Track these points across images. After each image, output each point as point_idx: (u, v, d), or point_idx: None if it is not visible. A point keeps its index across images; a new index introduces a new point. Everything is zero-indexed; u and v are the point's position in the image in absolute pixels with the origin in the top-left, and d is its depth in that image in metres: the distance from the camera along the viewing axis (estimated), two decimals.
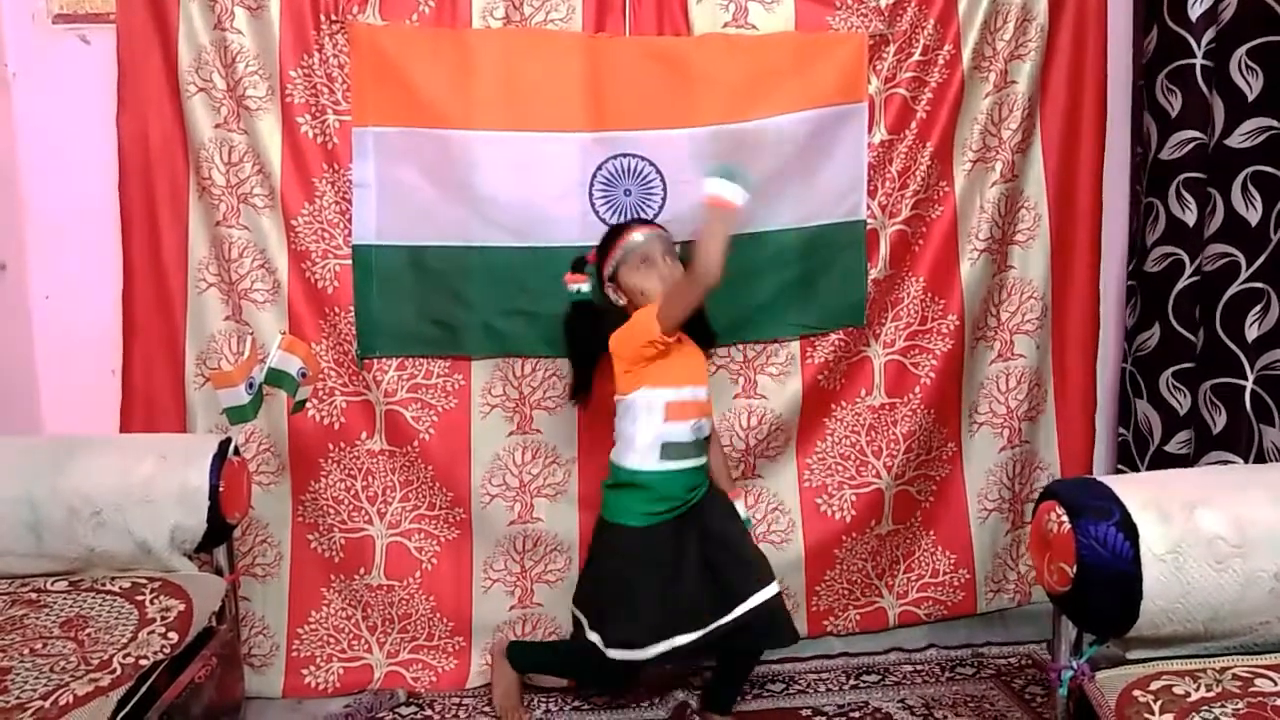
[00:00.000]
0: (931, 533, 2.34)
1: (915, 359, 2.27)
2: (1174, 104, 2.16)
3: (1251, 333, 2.02)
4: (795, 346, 2.20)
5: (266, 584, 2.15)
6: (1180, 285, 2.17)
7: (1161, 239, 2.22)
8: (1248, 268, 2.02)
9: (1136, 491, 1.34)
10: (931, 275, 2.25)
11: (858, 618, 2.31)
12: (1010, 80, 2.23)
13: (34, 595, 1.57)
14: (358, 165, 2.06)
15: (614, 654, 1.80)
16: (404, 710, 2.10)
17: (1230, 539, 1.29)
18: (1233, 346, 2.04)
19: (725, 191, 1.64)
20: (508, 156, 2.07)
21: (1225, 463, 2.05)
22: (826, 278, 2.18)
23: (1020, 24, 2.20)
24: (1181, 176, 2.15)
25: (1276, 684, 1.25)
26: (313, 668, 2.15)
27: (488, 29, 2.08)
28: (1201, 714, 1.20)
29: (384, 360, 2.12)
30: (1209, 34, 2.09)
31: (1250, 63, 2.00)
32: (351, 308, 2.09)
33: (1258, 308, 2.01)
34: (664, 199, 2.09)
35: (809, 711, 2.02)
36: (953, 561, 2.34)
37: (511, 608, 2.20)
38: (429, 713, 2.08)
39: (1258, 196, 2.00)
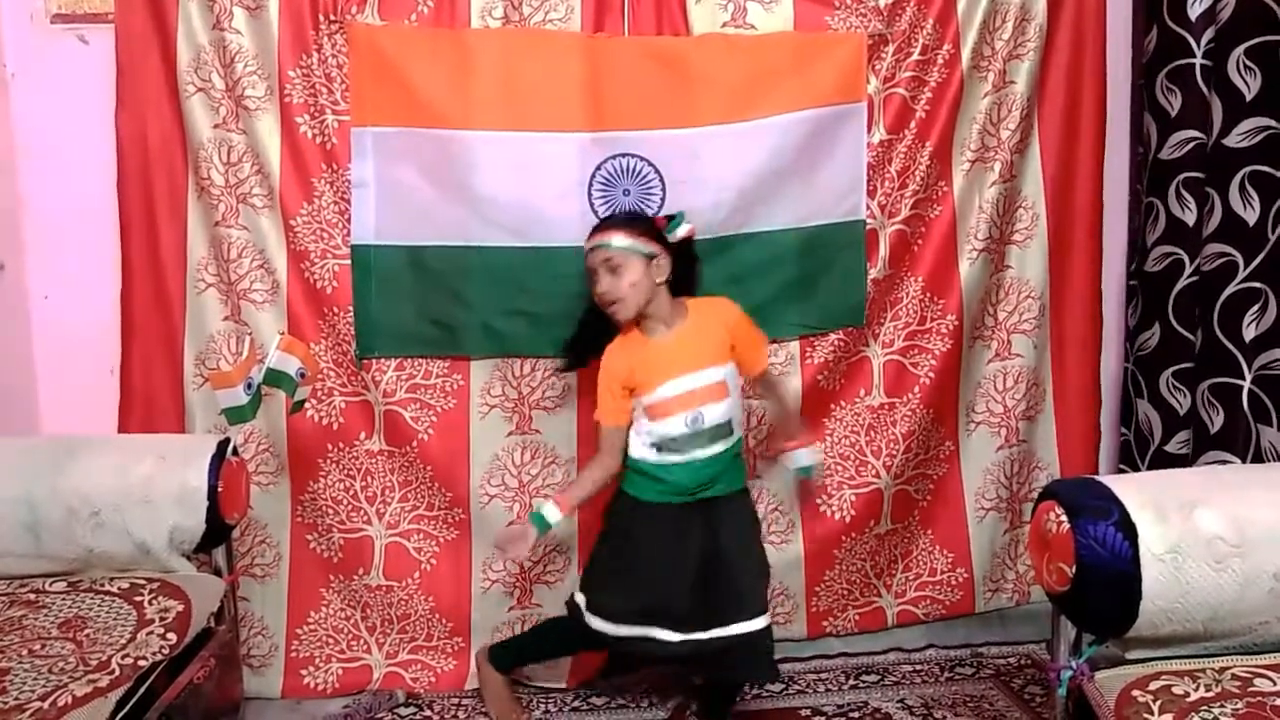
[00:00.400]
0: (929, 532, 2.35)
1: (914, 359, 2.27)
2: (1174, 103, 2.16)
3: (1249, 332, 2.02)
4: (795, 346, 2.20)
5: (265, 584, 2.15)
6: (1180, 285, 2.17)
7: (1162, 239, 2.22)
8: (1245, 267, 2.02)
9: (1135, 491, 1.34)
10: (931, 275, 2.25)
11: (856, 618, 2.31)
12: (1009, 80, 2.23)
13: (32, 596, 1.57)
14: (356, 165, 2.06)
15: (591, 620, 1.81)
16: (403, 711, 2.10)
17: (1229, 539, 1.29)
18: (1230, 346, 2.05)
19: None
20: (507, 156, 2.07)
21: (1223, 462, 2.05)
22: (826, 278, 2.18)
23: (1019, 24, 2.20)
24: (1181, 176, 2.16)
25: (1276, 684, 1.25)
26: (312, 668, 2.15)
27: (486, 29, 2.08)
28: (1201, 714, 1.20)
29: (383, 360, 2.12)
30: (1208, 33, 2.09)
31: (1248, 62, 2.00)
32: (350, 308, 2.09)
33: (1255, 307, 2.01)
34: (663, 199, 2.09)
35: (808, 711, 2.02)
36: (950, 561, 2.34)
37: (510, 608, 2.20)
38: (428, 713, 2.08)
39: (1255, 196, 2.01)
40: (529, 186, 2.08)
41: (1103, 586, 1.29)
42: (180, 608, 1.55)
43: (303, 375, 1.85)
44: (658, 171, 2.08)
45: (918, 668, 2.21)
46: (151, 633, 1.47)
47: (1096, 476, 1.47)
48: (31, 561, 1.66)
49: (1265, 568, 1.29)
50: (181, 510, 1.67)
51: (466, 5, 2.08)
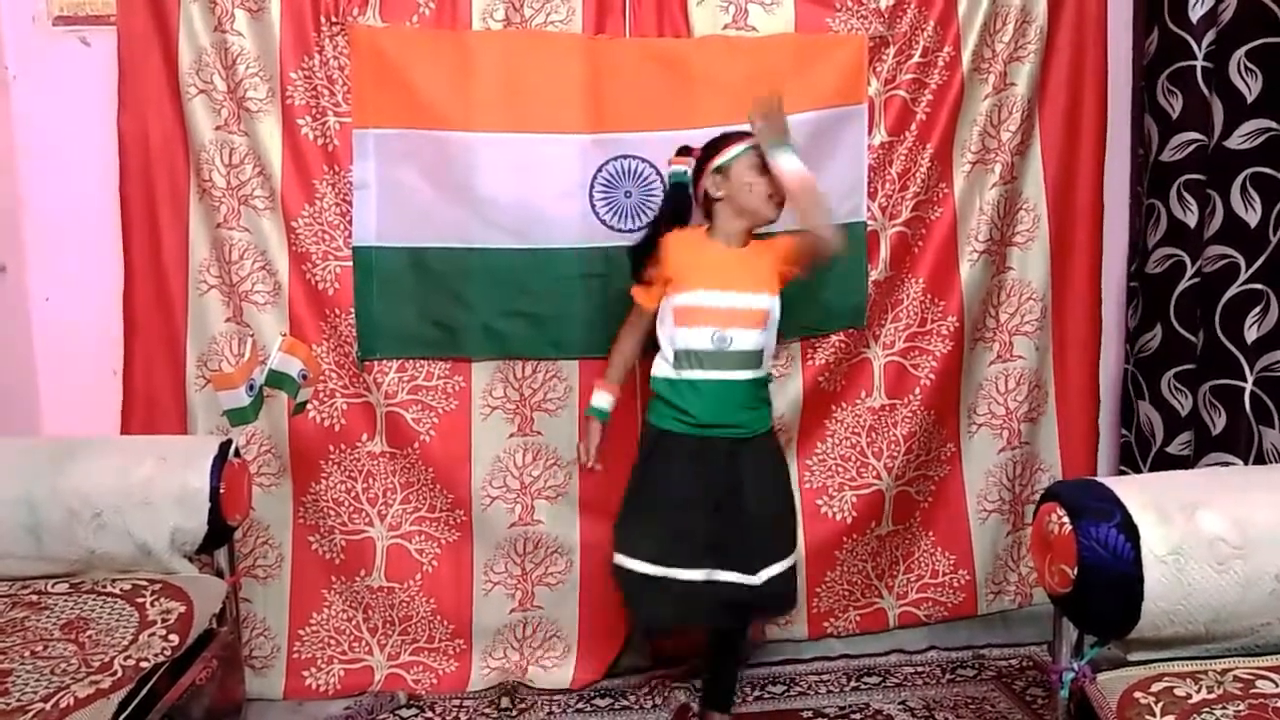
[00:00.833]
0: (931, 534, 2.35)
1: (915, 360, 2.27)
2: (1175, 105, 2.16)
3: (1251, 334, 2.02)
4: (795, 348, 2.20)
5: (267, 586, 2.15)
6: (1181, 287, 2.17)
7: (1163, 240, 2.22)
8: (1247, 269, 2.02)
9: (1137, 493, 1.34)
10: (931, 277, 2.25)
11: (858, 619, 2.31)
12: (1009, 82, 2.23)
13: (34, 597, 1.57)
14: (358, 167, 2.06)
15: (617, 557, 1.77)
16: (404, 712, 2.09)
17: (1231, 540, 1.29)
18: (1232, 348, 2.05)
19: (795, 167, 1.72)
20: (508, 158, 2.07)
21: (1225, 464, 2.05)
22: (827, 279, 2.17)
23: (1020, 26, 2.20)
24: (1182, 178, 2.16)
25: (1278, 686, 1.25)
26: (314, 669, 2.15)
27: (488, 31, 2.08)
28: (1203, 716, 1.20)
29: (384, 362, 2.12)
30: (1209, 36, 2.09)
31: (1249, 64, 2.00)
32: (352, 309, 2.09)
33: (1257, 309, 2.01)
34: (664, 200, 2.08)
35: (810, 713, 2.02)
36: (952, 563, 2.34)
37: (512, 610, 2.20)
38: (429, 715, 2.08)
39: (1257, 198, 2.00)
40: (530, 188, 2.08)
41: (1105, 588, 1.29)
42: (182, 609, 1.55)
43: (305, 377, 1.85)
44: (659, 173, 2.09)
45: (919, 669, 2.21)
46: (153, 634, 1.47)
47: (1097, 478, 1.47)
48: (33, 563, 1.66)
49: (1267, 569, 1.29)
50: (183, 511, 1.67)
51: (468, 7, 2.08)
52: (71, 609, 1.52)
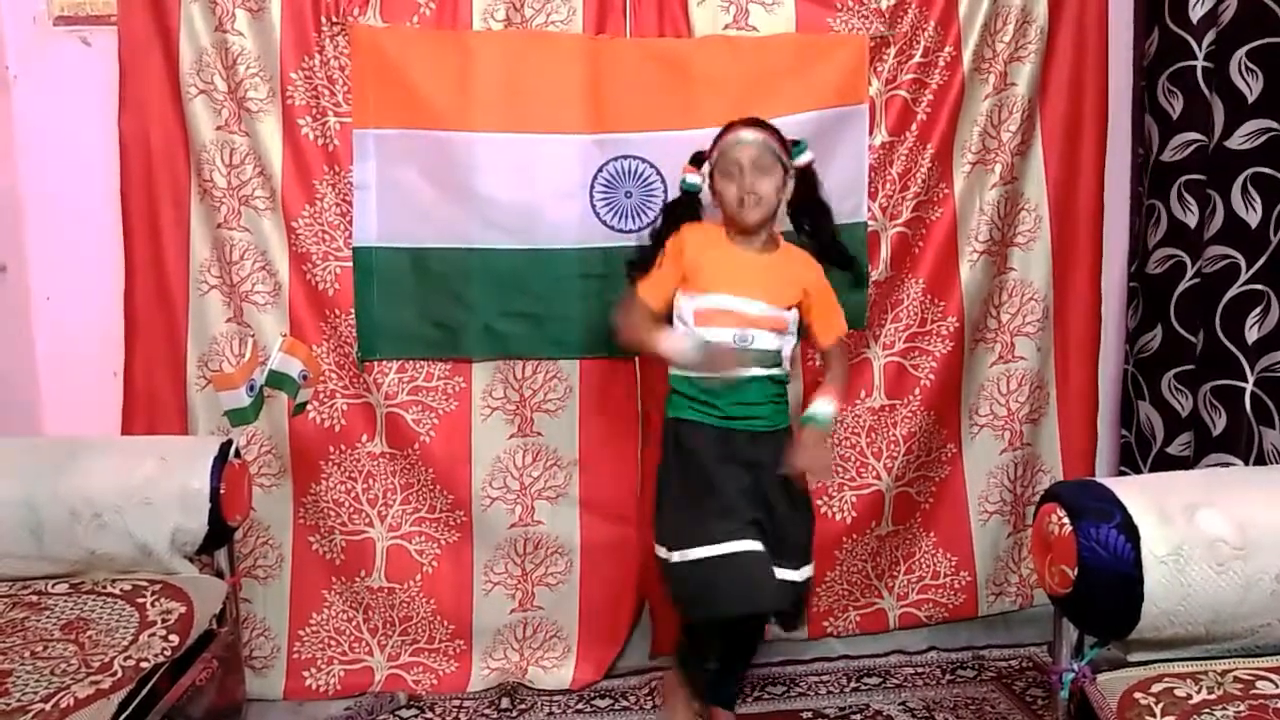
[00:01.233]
0: (931, 534, 2.34)
1: (915, 360, 2.27)
2: (1175, 106, 2.16)
3: (1251, 335, 2.02)
4: (796, 348, 2.19)
5: (267, 586, 2.15)
6: (1182, 287, 2.17)
7: (1163, 241, 2.22)
8: (1247, 270, 2.02)
9: (1137, 493, 1.34)
10: (931, 277, 2.25)
11: (857, 619, 2.31)
12: (1010, 82, 2.23)
13: (35, 598, 1.57)
14: (358, 167, 2.06)
15: (660, 551, 1.72)
16: (404, 713, 2.10)
17: (1231, 541, 1.29)
18: (1232, 348, 2.04)
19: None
20: (508, 158, 2.07)
21: (1225, 465, 2.05)
22: (827, 279, 2.17)
23: (1020, 26, 2.20)
24: (1183, 178, 2.15)
25: (1278, 686, 1.25)
26: (314, 670, 2.15)
27: (488, 31, 2.08)
28: (1203, 716, 1.20)
29: (385, 362, 2.12)
30: (1209, 36, 2.09)
31: (1250, 64, 2.00)
32: (352, 310, 2.09)
33: (1257, 310, 2.01)
34: (665, 201, 2.09)
35: (810, 714, 2.02)
36: (953, 564, 2.34)
37: (512, 611, 2.20)
38: (429, 715, 2.08)
39: (1257, 198, 2.00)
40: (531, 188, 2.08)
41: (1105, 589, 1.29)
42: (182, 609, 1.55)
43: (305, 377, 1.85)
44: (659, 173, 2.09)
45: (919, 670, 2.21)
46: (154, 634, 1.47)
47: (1098, 479, 1.47)
48: (33, 563, 1.66)
49: (1267, 570, 1.29)
50: (184, 512, 1.67)
51: (469, 7, 2.08)
52: (72, 609, 1.53)
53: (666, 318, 1.81)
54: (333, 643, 2.17)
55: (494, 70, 2.06)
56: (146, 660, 1.40)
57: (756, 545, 1.66)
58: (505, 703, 2.11)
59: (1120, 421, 2.42)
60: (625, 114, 2.09)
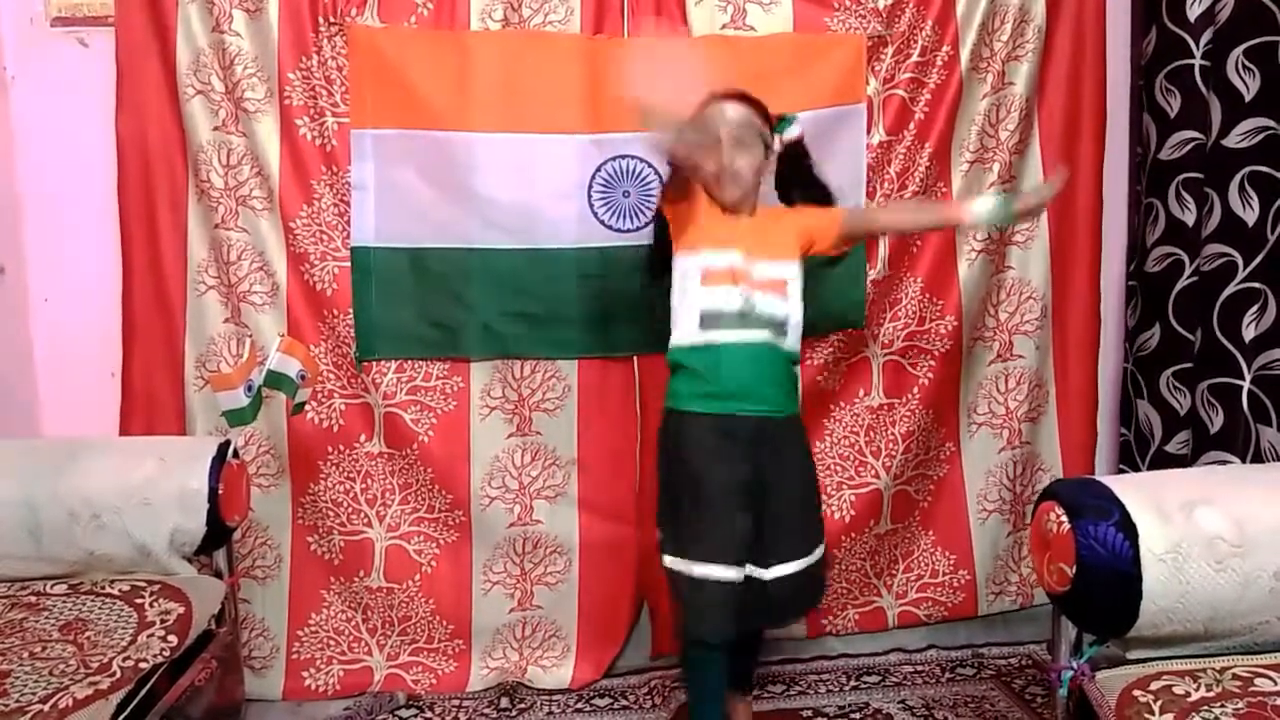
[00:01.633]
0: (930, 533, 2.34)
1: (913, 359, 2.27)
2: (1173, 104, 2.17)
3: (1249, 333, 2.02)
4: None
5: (266, 586, 2.15)
6: (1180, 285, 2.17)
7: (1161, 239, 2.22)
8: (1245, 268, 2.02)
9: (1136, 491, 1.34)
10: (930, 276, 2.25)
11: (856, 617, 2.31)
12: (1008, 81, 2.23)
13: (33, 598, 1.57)
14: (356, 167, 2.06)
15: (666, 559, 1.64)
16: (404, 713, 2.09)
17: (1230, 539, 1.29)
18: (1230, 346, 2.05)
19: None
20: (506, 158, 2.07)
21: (1223, 463, 2.05)
22: (825, 279, 2.17)
23: (1018, 25, 2.20)
24: (1181, 177, 2.16)
25: (1276, 684, 1.25)
26: (313, 670, 2.15)
27: (486, 31, 2.08)
28: (1201, 714, 1.20)
29: (383, 362, 2.12)
30: (1207, 34, 2.09)
31: (1247, 63, 2.00)
32: (350, 310, 2.09)
33: (1255, 307, 2.02)
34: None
35: (810, 712, 2.02)
36: (952, 562, 2.34)
37: (511, 610, 2.20)
38: (429, 715, 2.08)
39: (1254, 197, 2.01)
40: (529, 188, 2.08)
41: (1103, 587, 1.29)
42: (181, 610, 1.55)
43: (303, 377, 1.85)
44: (658, 173, 2.09)
45: (919, 668, 2.21)
46: (152, 635, 1.47)
47: (1097, 477, 1.47)
48: (32, 564, 1.66)
49: (1266, 567, 1.29)
50: (182, 512, 1.67)
51: (466, 7, 2.08)
52: (70, 610, 1.52)
53: (664, 267, 1.73)
54: (332, 643, 2.17)
55: (492, 70, 2.06)
56: (145, 661, 1.40)
57: (734, 574, 1.60)
58: (504, 702, 2.11)
59: (1119, 420, 2.42)
60: (623, 114, 2.08)
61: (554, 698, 2.13)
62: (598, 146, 2.08)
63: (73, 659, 1.37)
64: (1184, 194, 2.16)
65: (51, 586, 1.61)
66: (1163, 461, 2.23)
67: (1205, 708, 1.21)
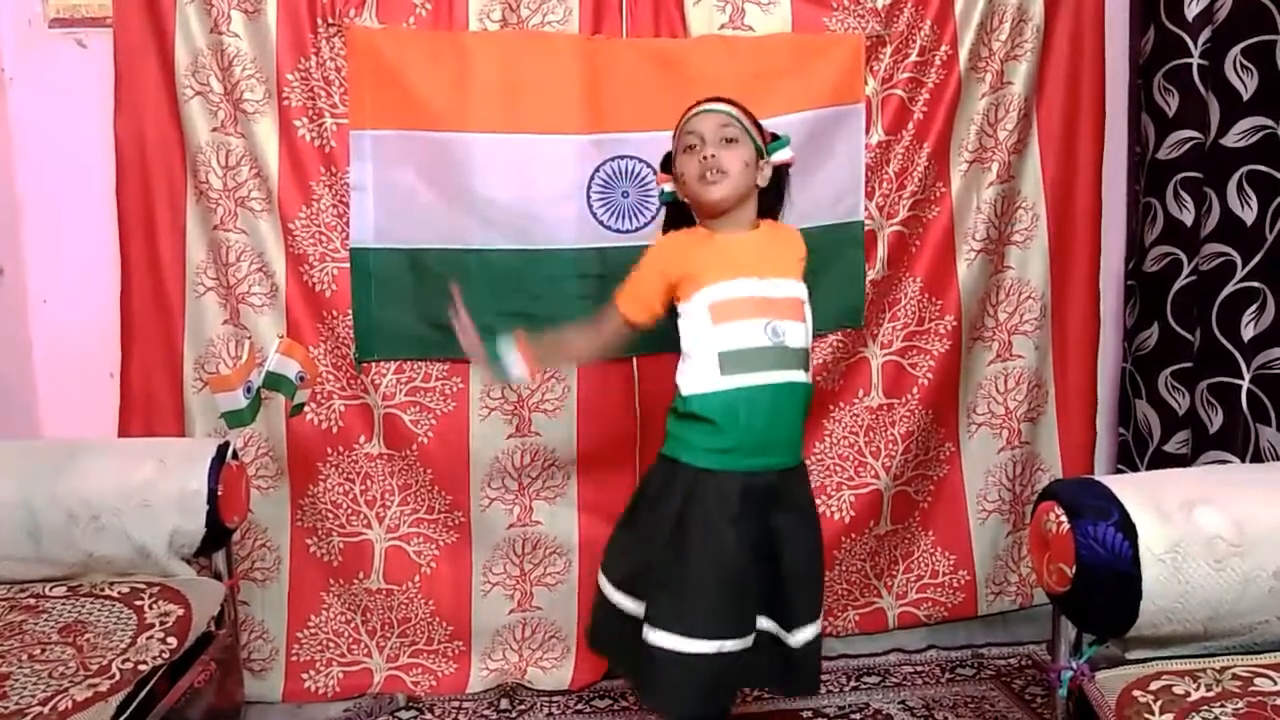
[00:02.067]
0: (930, 533, 2.34)
1: (913, 359, 2.27)
2: (1171, 104, 2.17)
3: (1248, 332, 2.02)
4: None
5: (265, 588, 2.15)
6: (1178, 285, 2.18)
7: (1160, 239, 2.22)
8: (1243, 267, 2.02)
9: (1135, 491, 1.34)
10: (929, 276, 2.25)
11: (856, 618, 2.31)
12: (1006, 81, 2.23)
13: (32, 601, 1.57)
14: (355, 168, 2.06)
15: (658, 638, 1.44)
16: (403, 714, 2.10)
17: (1229, 538, 1.29)
18: (1229, 346, 2.05)
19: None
20: (505, 159, 2.07)
21: (1222, 462, 2.05)
22: (824, 279, 2.17)
23: (1016, 25, 2.20)
24: (1179, 176, 2.16)
25: (1276, 683, 1.25)
26: (312, 672, 2.15)
27: (485, 31, 2.08)
28: (1201, 714, 1.20)
29: (382, 363, 2.11)
30: (1205, 33, 2.09)
31: (1245, 62, 2.00)
32: (349, 311, 2.09)
33: (1253, 307, 2.02)
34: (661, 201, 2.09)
35: (810, 713, 2.02)
36: (952, 563, 2.34)
37: (511, 611, 2.20)
38: (428, 717, 2.08)
39: (1253, 196, 2.01)
40: (528, 189, 2.08)
41: (1103, 587, 1.29)
42: (180, 612, 1.55)
43: (302, 378, 1.85)
44: (656, 173, 2.08)
45: (918, 669, 2.21)
46: (152, 637, 1.47)
47: (1096, 477, 1.47)
48: (31, 566, 1.66)
49: (1265, 567, 1.29)
50: (181, 514, 1.67)
51: (465, 7, 2.08)
52: (70, 612, 1.52)
53: (655, 334, 1.60)
54: (331, 644, 2.17)
55: (490, 71, 2.06)
56: (145, 663, 1.40)
57: (740, 644, 1.48)
58: (504, 704, 2.11)
59: (1118, 420, 2.42)
60: (622, 114, 2.09)
61: (554, 699, 2.13)
62: (596, 147, 2.08)
63: (72, 661, 1.37)
64: (1182, 193, 2.16)
65: (50, 589, 1.61)
66: (1162, 461, 2.23)
67: (1205, 708, 1.21)
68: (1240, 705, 1.21)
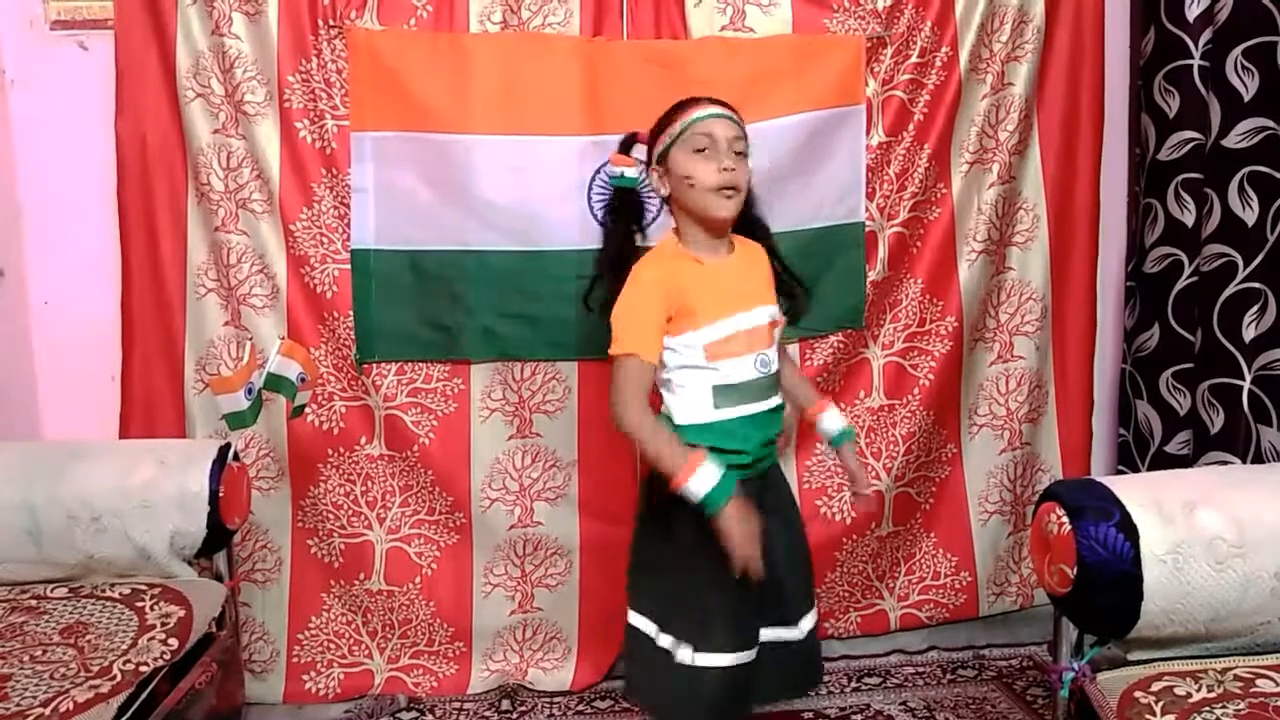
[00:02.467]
0: (932, 535, 2.34)
1: (914, 360, 2.27)
2: (1171, 105, 2.17)
3: (1249, 333, 2.02)
4: (794, 349, 2.20)
5: (266, 590, 2.15)
6: (1179, 286, 2.18)
7: (1160, 239, 2.22)
8: (1245, 268, 2.02)
9: (1136, 492, 1.34)
10: (930, 277, 2.25)
11: (859, 620, 2.31)
12: (1007, 82, 2.23)
13: (34, 602, 1.57)
14: (356, 170, 2.06)
15: (702, 658, 1.43)
16: (404, 716, 2.10)
17: (1230, 539, 1.29)
18: (1230, 347, 2.05)
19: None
20: (506, 160, 2.07)
21: (1223, 463, 2.05)
22: (825, 280, 2.17)
23: (1017, 26, 2.20)
24: (1180, 177, 2.16)
25: (1278, 684, 1.25)
26: (313, 673, 2.15)
27: (485, 33, 2.08)
28: (1203, 714, 1.20)
29: (383, 365, 2.12)
30: (1205, 34, 2.09)
31: (1246, 63, 2.00)
32: (350, 312, 2.09)
33: (1255, 308, 2.01)
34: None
35: (811, 714, 2.01)
36: (954, 564, 2.34)
37: (512, 612, 2.20)
38: (429, 718, 2.08)
39: (1254, 197, 2.01)
40: (528, 190, 2.08)
41: (1104, 588, 1.29)
42: (181, 613, 1.55)
43: (303, 380, 1.85)
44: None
45: (920, 670, 2.21)
46: (153, 638, 1.47)
47: (1097, 477, 1.47)
48: (32, 567, 1.66)
49: (1267, 568, 1.29)
50: (182, 515, 1.67)
51: (465, 9, 2.08)
52: (71, 613, 1.53)
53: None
54: (332, 646, 2.16)
55: (491, 72, 2.06)
56: (146, 664, 1.40)
57: (753, 654, 1.48)
58: (506, 705, 2.11)
59: (1118, 420, 2.42)
60: (622, 116, 2.08)
61: (555, 700, 2.13)
62: (597, 148, 2.08)
63: (73, 662, 1.37)
64: (1183, 194, 2.16)
65: (52, 590, 1.62)
66: (1163, 462, 2.23)
67: (1206, 708, 1.21)
68: (1242, 706, 1.21)
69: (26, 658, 1.38)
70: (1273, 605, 1.30)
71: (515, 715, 2.08)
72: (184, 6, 2.02)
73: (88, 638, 1.45)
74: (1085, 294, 2.35)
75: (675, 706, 1.49)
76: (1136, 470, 2.30)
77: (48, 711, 1.24)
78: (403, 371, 2.12)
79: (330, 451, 2.14)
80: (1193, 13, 2.11)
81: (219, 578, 1.78)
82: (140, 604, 1.56)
